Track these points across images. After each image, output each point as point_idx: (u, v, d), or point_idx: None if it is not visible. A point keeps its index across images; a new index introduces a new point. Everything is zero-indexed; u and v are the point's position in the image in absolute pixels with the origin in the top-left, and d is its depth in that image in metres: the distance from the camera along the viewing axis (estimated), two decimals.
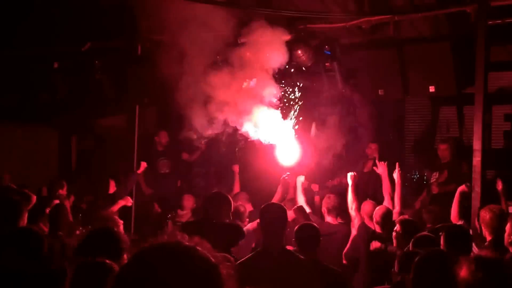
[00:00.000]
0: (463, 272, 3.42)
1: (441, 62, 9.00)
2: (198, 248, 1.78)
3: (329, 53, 9.33)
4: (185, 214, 10.12)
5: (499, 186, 8.31)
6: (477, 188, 8.24)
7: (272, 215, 5.21)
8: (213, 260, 1.77)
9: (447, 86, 9.17)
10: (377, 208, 7.56)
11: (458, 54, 9.01)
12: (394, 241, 6.65)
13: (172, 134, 11.55)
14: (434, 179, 10.15)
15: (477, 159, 8.33)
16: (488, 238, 6.43)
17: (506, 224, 6.13)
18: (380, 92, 9.65)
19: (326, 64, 9.42)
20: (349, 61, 9.77)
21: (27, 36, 9.84)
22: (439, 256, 4.10)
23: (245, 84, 9.27)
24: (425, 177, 10.55)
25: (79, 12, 9.71)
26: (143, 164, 10.07)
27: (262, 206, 5.42)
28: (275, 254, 5.00)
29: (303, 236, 5.90)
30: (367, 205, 7.93)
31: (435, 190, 9.94)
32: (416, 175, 11.04)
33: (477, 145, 8.37)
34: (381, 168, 8.56)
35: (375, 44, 9.69)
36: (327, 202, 8.10)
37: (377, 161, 8.93)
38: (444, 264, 3.87)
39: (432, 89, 9.23)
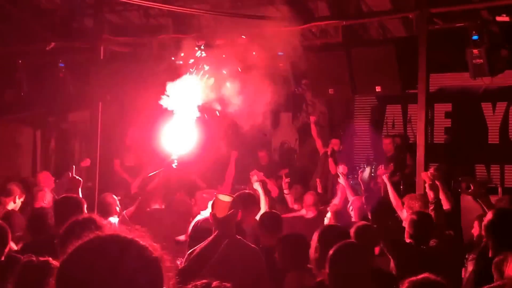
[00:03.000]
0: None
1: (386, 64, 9.43)
2: (137, 240, 1.76)
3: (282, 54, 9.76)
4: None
5: None
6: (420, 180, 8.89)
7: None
8: (153, 253, 1.75)
9: (392, 86, 9.65)
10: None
11: (402, 56, 9.46)
12: None
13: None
14: None
15: (420, 153, 8.95)
16: None
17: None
18: (331, 91, 10.15)
19: (280, 65, 9.84)
20: (301, 62, 10.23)
21: None
22: (350, 247, 4.15)
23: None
24: (372, 170, 11.11)
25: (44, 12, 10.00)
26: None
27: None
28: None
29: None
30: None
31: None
32: (364, 168, 11.60)
33: (420, 140, 9.02)
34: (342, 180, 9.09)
35: (325, 47, 10.15)
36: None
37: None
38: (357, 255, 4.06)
39: (378, 88, 9.71)
